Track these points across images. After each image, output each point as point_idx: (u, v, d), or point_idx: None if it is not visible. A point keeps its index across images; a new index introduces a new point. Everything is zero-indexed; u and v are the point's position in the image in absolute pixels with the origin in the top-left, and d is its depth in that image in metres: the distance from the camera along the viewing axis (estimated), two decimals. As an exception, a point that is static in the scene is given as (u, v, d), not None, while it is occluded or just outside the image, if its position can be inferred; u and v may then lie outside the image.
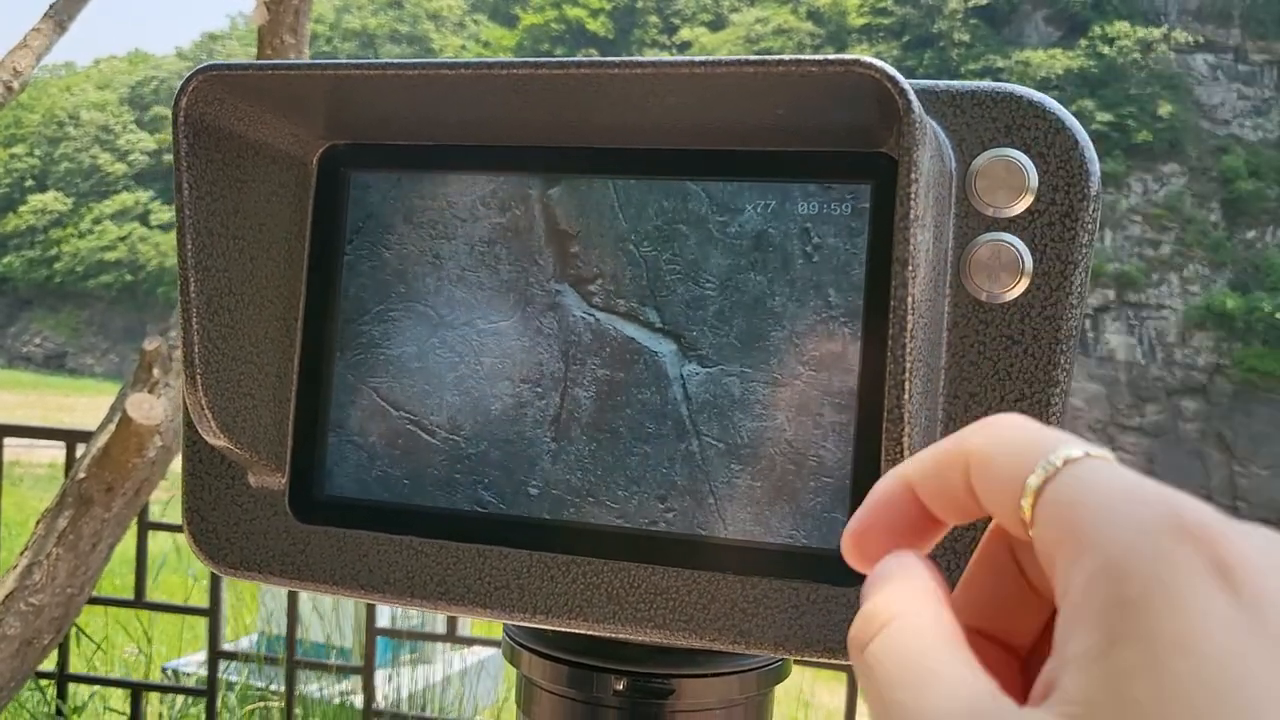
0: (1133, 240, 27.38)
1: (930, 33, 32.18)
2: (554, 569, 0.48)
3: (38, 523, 1.83)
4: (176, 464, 1.87)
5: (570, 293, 0.48)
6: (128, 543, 2.13)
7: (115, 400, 1.85)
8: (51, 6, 2.21)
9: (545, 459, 0.48)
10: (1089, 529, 0.22)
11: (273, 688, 2.65)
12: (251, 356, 0.51)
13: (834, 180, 0.45)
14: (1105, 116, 27.61)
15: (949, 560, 0.43)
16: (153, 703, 2.61)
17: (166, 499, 3.24)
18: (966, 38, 31.61)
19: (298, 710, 2.51)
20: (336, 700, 2.72)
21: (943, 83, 0.45)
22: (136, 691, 2.45)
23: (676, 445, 0.46)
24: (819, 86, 0.41)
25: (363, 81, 0.46)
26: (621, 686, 0.49)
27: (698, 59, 0.41)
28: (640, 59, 0.42)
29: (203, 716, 2.44)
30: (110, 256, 41.60)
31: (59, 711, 2.44)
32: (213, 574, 2.35)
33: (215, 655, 2.39)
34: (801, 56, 0.40)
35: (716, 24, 37.21)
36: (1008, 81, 0.62)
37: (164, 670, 3.24)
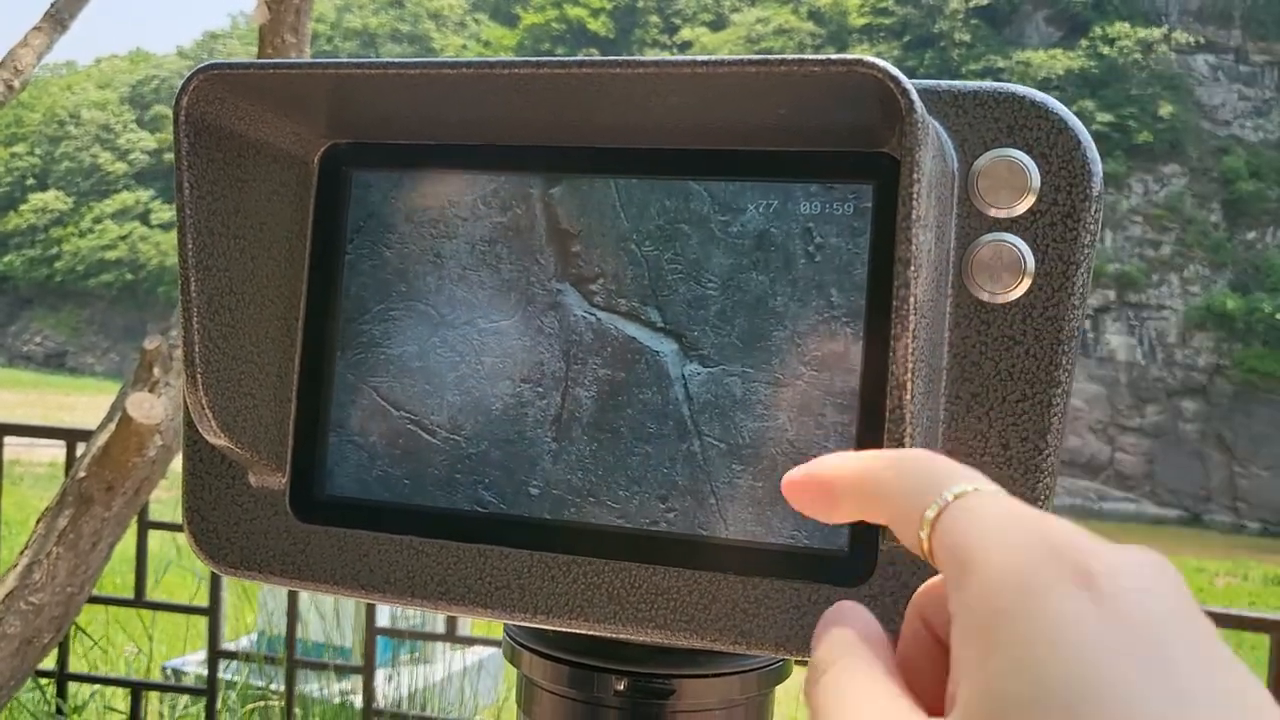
0: (1133, 241, 27.38)
1: (931, 33, 32.18)
2: (555, 569, 0.48)
3: (38, 522, 1.83)
4: (177, 463, 1.87)
5: (571, 292, 0.48)
6: (128, 542, 2.13)
7: (115, 399, 1.86)
8: (52, 5, 2.21)
9: (546, 459, 0.48)
10: (970, 555, 0.25)
11: (273, 687, 2.65)
12: (252, 356, 0.51)
13: (836, 180, 0.45)
14: (1106, 117, 27.60)
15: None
16: (153, 702, 2.61)
17: (167, 498, 3.24)
18: (967, 38, 31.61)
19: (298, 710, 2.51)
20: (336, 700, 2.72)
21: (945, 82, 0.44)
22: (136, 691, 2.45)
23: (678, 445, 0.46)
24: (821, 86, 0.40)
25: (364, 80, 0.46)
26: (622, 687, 0.49)
27: (700, 58, 0.41)
28: (642, 58, 0.42)
29: (203, 716, 2.44)
30: (111, 255, 41.60)
31: (59, 710, 2.44)
32: (213, 574, 2.35)
33: (215, 654, 2.39)
34: (804, 56, 0.39)
35: (717, 24, 37.21)
36: (1008, 82, 0.62)
37: (164, 670, 3.24)
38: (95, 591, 2.00)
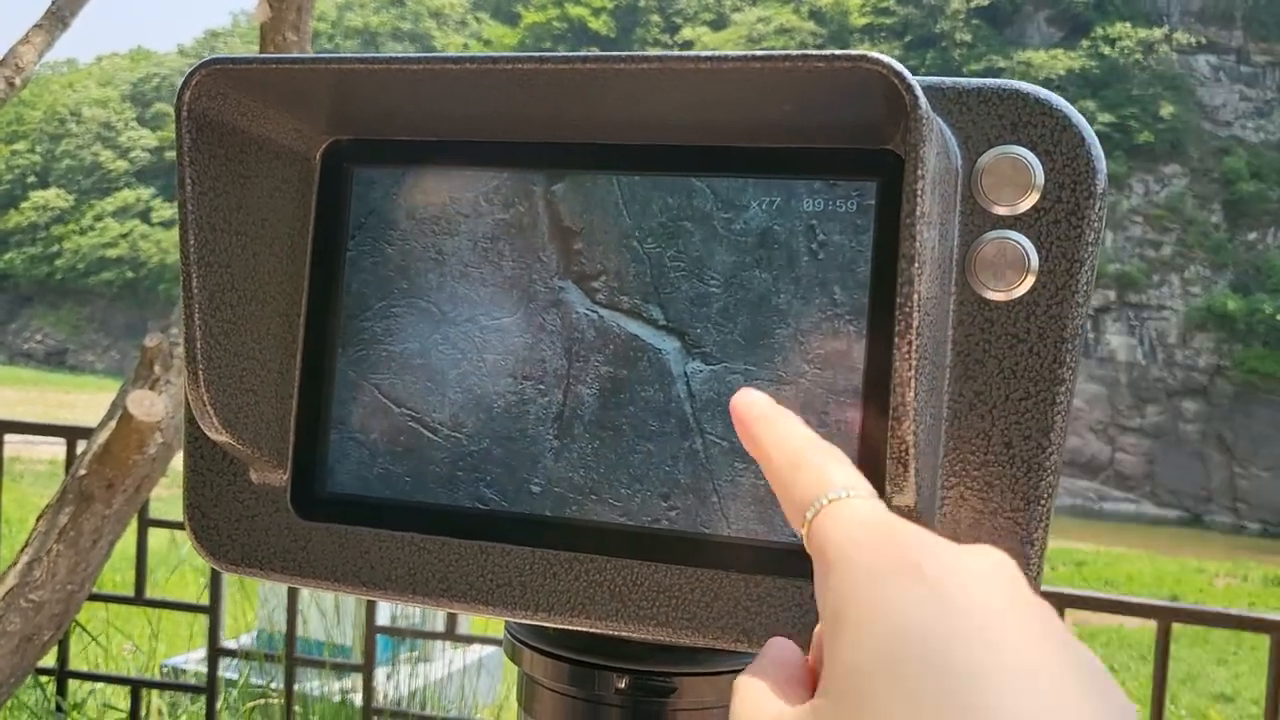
0: (1134, 241, 27.36)
1: (932, 33, 32.16)
2: (556, 566, 0.48)
3: (38, 519, 1.83)
4: (177, 461, 1.87)
5: (574, 289, 0.48)
6: (129, 540, 2.13)
7: (116, 397, 1.86)
8: (54, 3, 2.20)
9: (548, 456, 0.48)
10: (829, 554, 0.29)
11: (273, 685, 2.65)
12: (254, 352, 0.51)
13: (840, 177, 0.45)
14: (1107, 117, 27.59)
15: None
16: (153, 699, 2.61)
17: (168, 495, 3.24)
18: (968, 38, 31.59)
19: (297, 708, 2.51)
20: (336, 698, 2.72)
21: (949, 79, 0.44)
22: (136, 688, 2.45)
23: (680, 443, 0.46)
24: (826, 83, 0.40)
25: (366, 76, 0.46)
26: (623, 684, 0.49)
27: (704, 54, 0.41)
28: (645, 54, 0.42)
29: (203, 714, 2.44)
30: (111, 253, 41.60)
31: (59, 708, 2.44)
32: (213, 571, 2.35)
33: (215, 652, 2.38)
34: (809, 52, 0.39)
35: (718, 23, 37.20)
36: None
37: (164, 667, 3.24)
38: (95, 589, 2.00)
